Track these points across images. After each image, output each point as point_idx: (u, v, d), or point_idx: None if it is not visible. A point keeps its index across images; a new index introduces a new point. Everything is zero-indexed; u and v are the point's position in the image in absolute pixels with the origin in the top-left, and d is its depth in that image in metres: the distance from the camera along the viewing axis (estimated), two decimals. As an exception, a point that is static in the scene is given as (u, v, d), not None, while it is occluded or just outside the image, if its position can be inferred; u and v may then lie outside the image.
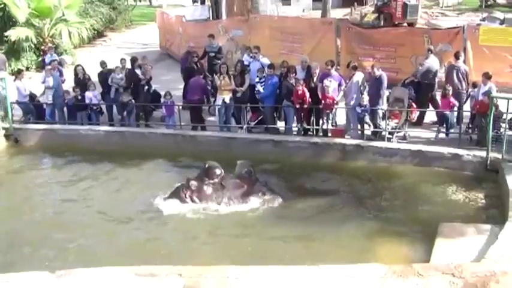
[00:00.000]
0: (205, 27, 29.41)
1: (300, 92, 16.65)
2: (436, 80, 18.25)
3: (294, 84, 16.91)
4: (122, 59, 19.99)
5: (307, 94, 16.69)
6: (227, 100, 17.94)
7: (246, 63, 19.55)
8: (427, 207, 13.45)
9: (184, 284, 6.87)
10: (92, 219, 13.59)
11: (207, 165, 14.53)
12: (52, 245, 12.40)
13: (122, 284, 6.93)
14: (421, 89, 17.77)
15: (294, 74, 17.24)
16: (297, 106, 16.83)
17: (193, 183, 14.11)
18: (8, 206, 14.51)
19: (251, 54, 19.88)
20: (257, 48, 19.85)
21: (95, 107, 19.30)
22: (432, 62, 18.12)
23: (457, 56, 18.10)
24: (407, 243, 11.81)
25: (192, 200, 13.90)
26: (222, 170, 14.39)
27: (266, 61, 19.05)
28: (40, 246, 12.37)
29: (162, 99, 18.85)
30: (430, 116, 17.98)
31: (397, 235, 12.17)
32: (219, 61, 21.15)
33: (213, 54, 21.83)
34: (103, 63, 20.01)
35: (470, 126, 16.45)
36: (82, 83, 19.66)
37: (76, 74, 20.12)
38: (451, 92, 16.72)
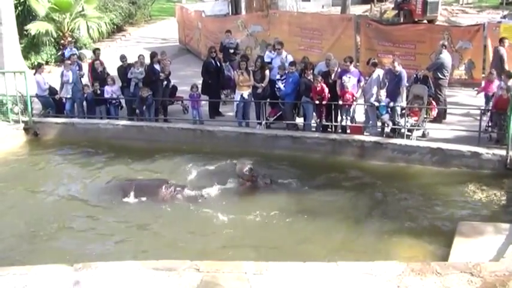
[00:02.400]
0: (224, 23, 29.36)
1: (318, 88, 16.62)
2: (448, 76, 18.21)
3: (312, 81, 16.89)
4: (140, 55, 19.97)
5: (326, 90, 16.65)
6: (246, 96, 17.93)
7: (268, 59, 19.57)
8: (445, 206, 13.39)
9: (202, 279, 6.88)
10: (108, 211, 13.66)
11: None
12: (70, 238, 12.49)
13: (140, 277, 6.95)
14: (436, 85, 17.75)
15: (311, 71, 17.22)
16: (316, 102, 16.80)
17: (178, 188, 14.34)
18: (26, 199, 14.59)
19: (272, 51, 19.90)
20: (280, 44, 19.85)
21: (113, 101, 19.36)
22: (446, 57, 18.05)
23: (500, 41, 18.48)
24: (425, 241, 11.77)
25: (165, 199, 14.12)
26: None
27: (290, 58, 19.02)
28: (58, 239, 12.47)
29: (189, 92, 18.89)
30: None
31: (416, 233, 12.13)
32: (236, 57, 21.25)
33: (232, 50, 21.89)
34: (123, 58, 20.05)
35: (489, 124, 16.33)
36: (101, 77, 19.74)
37: (94, 69, 20.17)
38: (495, 75, 16.86)
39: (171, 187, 14.24)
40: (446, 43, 19.03)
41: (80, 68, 21.09)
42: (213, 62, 19.73)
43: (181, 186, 14.41)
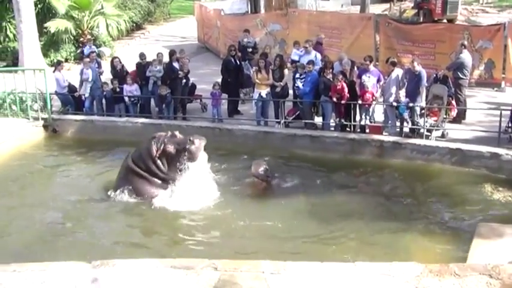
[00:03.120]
0: (243, 21, 29.40)
1: (338, 87, 16.57)
2: (468, 75, 18.07)
3: (332, 80, 16.85)
4: (158, 53, 20.09)
5: (346, 89, 16.61)
6: (264, 94, 17.94)
7: (295, 57, 19.61)
8: (464, 207, 13.31)
9: (219, 278, 6.87)
10: (127, 210, 13.67)
11: None
12: (87, 235, 12.54)
13: (158, 275, 6.96)
14: (456, 85, 17.65)
15: (331, 70, 17.19)
16: (335, 100, 16.75)
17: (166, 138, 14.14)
18: (44, 196, 14.65)
19: (301, 49, 19.94)
20: (308, 42, 19.88)
21: (131, 99, 19.41)
22: (466, 57, 17.92)
23: None
24: (444, 242, 11.71)
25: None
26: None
27: (319, 57, 18.96)
28: (75, 236, 12.51)
29: (211, 90, 18.97)
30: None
31: (434, 234, 12.08)
32: (254, 56, 21.32)
33: (250, 49, 21.93)
34: (142, 56, 20.13)
35: (510, 125, 16.19)
36: (120, 75, 19.82)
37: (114, 67, 20.27)
38: None
39: (160, 139, 14.02)
40: (466, 43, 18.89)
41: (99, 66, 21.20)
42: (232, 60, 19.80)
43: (171, 134, 14.19)
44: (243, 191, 14.38)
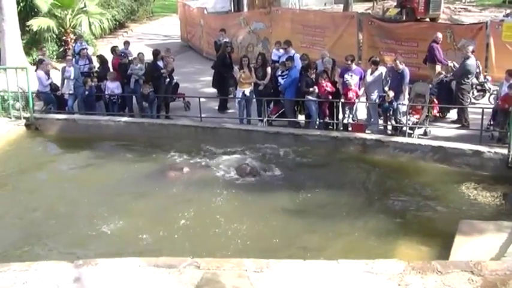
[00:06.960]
0: (226, 20, 29.39)
1: (324, 86, 16.60)
2: (471, 81, 17.95)
3: (314, 80, 16.87)
4: (139, 53, 20.08)
5: (330, 85, 16.67)
6: (247, 93, 17.95)
7: (275, 58, 19.63)
8: (446, 204, 13.36)
9: (202, 276, 6.88)
10: (110, 208, 13.57)
11: None
12: (72, 234, 12.48)
13: (141, 274, 6.95)
14: (458, 89, 17.56)
15: (314, 70, 17.21)
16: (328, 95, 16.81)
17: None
18: (27, 195, 14.56)
19: (280, 49, 19.96)
20: (287, 42, 19.86)
21: (112, 98, 19.35)
22: (472, 63, 17.70)
23: None
24: (426, 239, 11.75)
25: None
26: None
27: (297, 56, 18.92)
28: (60, 235, 12.45)
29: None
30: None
31: (416, 231, 12.11)
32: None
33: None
34: (123, 55, 20.09)
35: (491, 123, 16.28)
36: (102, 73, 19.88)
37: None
38: None
39: None
40: (474, 48, 18.57)
41: (90, 61, 21.24)
42: (227, 56, 19.90)
43: None
44: (226, 188, 14.38)
